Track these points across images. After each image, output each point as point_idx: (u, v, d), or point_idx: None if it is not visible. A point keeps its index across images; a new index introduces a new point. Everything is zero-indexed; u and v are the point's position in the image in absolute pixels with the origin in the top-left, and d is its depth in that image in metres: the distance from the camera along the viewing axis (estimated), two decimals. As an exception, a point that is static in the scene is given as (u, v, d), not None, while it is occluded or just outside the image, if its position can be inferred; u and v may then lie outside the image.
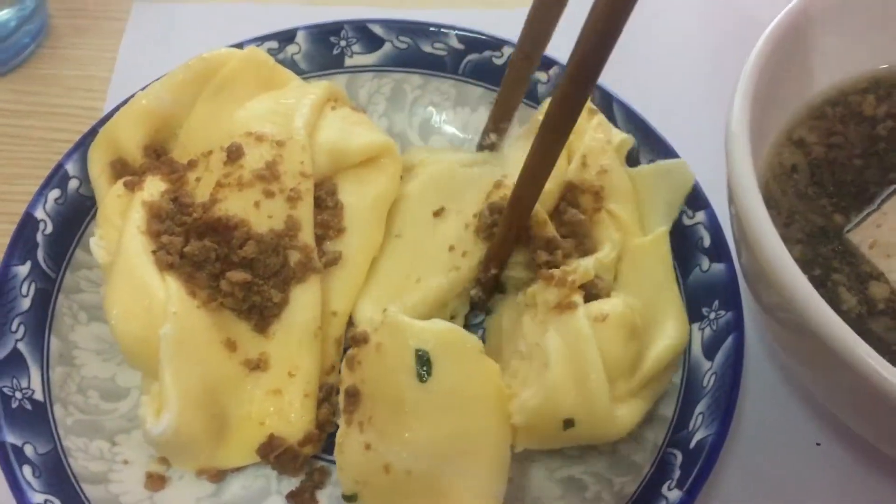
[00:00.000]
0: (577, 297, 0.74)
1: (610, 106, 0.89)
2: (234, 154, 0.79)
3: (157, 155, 0.84)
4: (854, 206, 0.79)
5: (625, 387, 0.73)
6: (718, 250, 0.80)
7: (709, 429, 0.72)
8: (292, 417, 0.76)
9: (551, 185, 0.82)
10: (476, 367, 0.72)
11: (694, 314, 0.80)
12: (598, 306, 0.74)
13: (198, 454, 0.75)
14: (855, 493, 0.80)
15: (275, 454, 0.75)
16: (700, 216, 0.82)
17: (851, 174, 0.80)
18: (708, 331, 0.78)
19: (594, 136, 0.85)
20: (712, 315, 0.78)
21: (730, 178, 0.70)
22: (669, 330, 0.77)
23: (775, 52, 0.76)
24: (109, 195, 0.80)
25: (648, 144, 0.87)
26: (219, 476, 0.77)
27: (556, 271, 0.76)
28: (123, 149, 0.83)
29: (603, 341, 0.71)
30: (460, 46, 0.94)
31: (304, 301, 0.78)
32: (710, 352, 0.77)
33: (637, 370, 0.74)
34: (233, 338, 0.77)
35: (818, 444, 0.82)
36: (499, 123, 0.87)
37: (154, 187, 0.80)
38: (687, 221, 0.83)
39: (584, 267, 0.76)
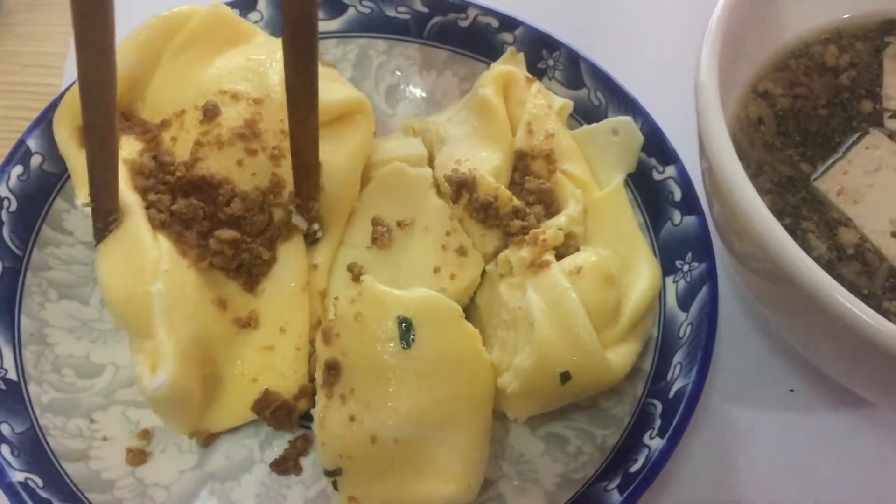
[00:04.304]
0: (549, 256, 0.75)
1: (576, 65, 0.89)
2: (210, 112, 0.78)
3: (126, 117, 0.82)
4: (820, 154, 0.80)
5: (612, 333, 0.74)
6: (689, 203, 0.81)
7: (687, 378, 0.73)
8: (285, 371, 0.76)
9: (503, 159, 0.83)
10: (458, 332, 0.73)
11: (667, 267, 0.80)
12: (570, 261, 0.76)
13: (191, 414, 0.74)
14: (829, 436, 0.82)
15: (270, 409, 0.74)
16: (670, 170, 0.83)
17: (816, 124, 0.81)
18: (682, 283, 0.79)
19: (535, 102, 0.85)
20: (686, 267, 0.79)
21: (700, 131, 0.70)
22: (643, 273, 0.78)
23: (739, 5, 0.76)
24: (83, 159, 0.79)
25: (615, 100, 0.87)
26: (209, 440, 0.76)
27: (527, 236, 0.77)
28: None
29: (582, 292, 0.72)
30: (424, 9, 0.93)
31: (290, 258, 0.78)
32: (685, 303, 0.78)
33: (621, 315, 0.75)
34: (223, 297, 0.77)
35: (791, 391, 0.84)
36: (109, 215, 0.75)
37: (130, 146, 0.78)
38: (657, 176, 0.84)
39: (553, 229, 0.77)
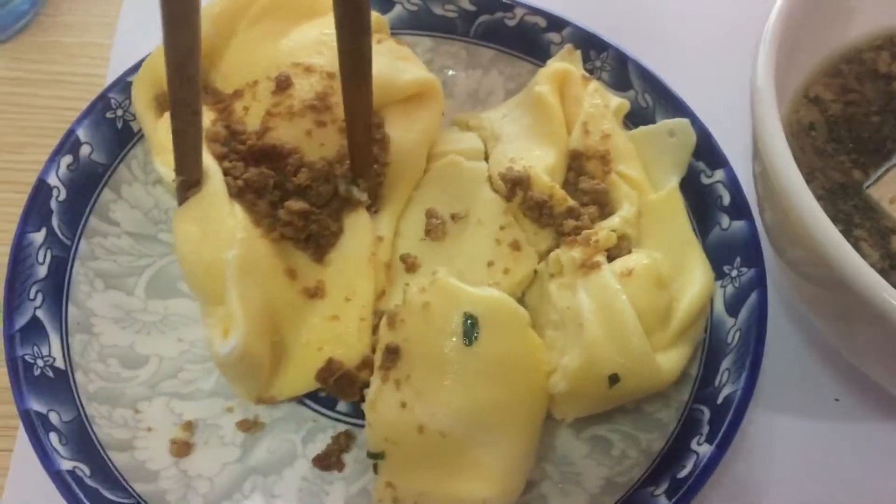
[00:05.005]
0: (601, 257, 0.75)
1: (624, 66, 0.89)
2: (283, 84, 0.78)
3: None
4: (872, 162, 0.79)
5: (662, 336, 0.74)
6: (738, 208, 0.80)
7: (736, 384, 0.72)
8: (350, 341, 0.76)
9: (558, 158, 0.82)
10: (521, 339, 0.72)
11: (715, 272, 0.79)
12: (622, 262, 0.75)
13: (259, 381, 0.75)
14: (874, 446, 0.81)
15: (333, 378, 0.74)
16: (719, 174, 0.82)
17: (868, 131, 0.81)
18: (730, 288, 0.78)
19: (592, 102, 0.84)
20: (734, 272, 0.78)
21: (756, 134, 0.69)
22: (696, 277, 0.77)
23: (794, 11, 0.75)
24: (161, 127, 0.79)
25: (663, 102, 0.87)
26: (253, 428, 0.77)
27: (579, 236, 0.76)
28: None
29: (632, 295, 0.72)
30: (472, 8, 0.93)
31: (357, 229, 0.79)
32: (733, 309, 0.77)
33: (671, 319, 0.74)
34: (293, 267, 0.77)
35: (837, 400, 0.83)
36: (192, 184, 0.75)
37: (204, 116, 0.78)
38: (705, 180, 0.83)
39: (605, 230, 0.77)
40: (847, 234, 0.74)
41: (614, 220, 0.78)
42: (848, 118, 0.81)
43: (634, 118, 0.88)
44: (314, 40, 0.82)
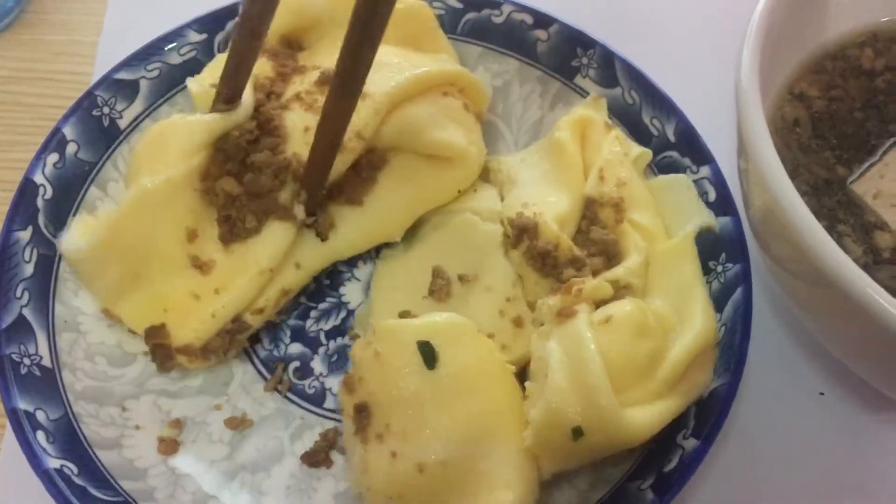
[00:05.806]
0: (581, 306, 0.72)
1: (611, 63, 0.89)
2: (322, 80, 0.80)
3: (290, 45, 0.86)
4: (856, 157, 0.79)
5: (644, 388, 0.70)
6: (723, 204, 0.81)
7: (721, 379, 0.73)
8: (192, 325, 0.77)
9: (571, 204, 0.80)
10: (476, 346, 0.72)
11: (701, 268, 0.79)
12: (603, 311, 0.72)
13: (102, 293, 0.78)
14: (857, 439, 0.82)
15: (154, 342, 0.76)
16: (704, 171, 0.83)
17: (852, 127, 0.81)
18: (716, 283, 0.78)
19: (611, 149, 0.83)
20: (719, 268, 0.79)
21: (741, 130, 0.70)
22: (694, 324, 0.73)
23: (779, 6, 0.76)
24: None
25: (650, 99, 0.87)
26: (239, 427, 0.78)
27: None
28: None
29: (608, 344, 0.69)
30: (458, 5, 0.93)
31: (272, 238, 0.78)
32: (718, 304, 0.77)
33: (656, 370, 0.71)
34: (198, 230, 0.78)
35: (821, 394, 0.84)
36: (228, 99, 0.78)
37: (261, 68, 0.81)
38: (691, 176, 0.83)
39: (597, 280, 0.75)
40: (831, 229, 0.75)
41: (618, 271, 0.76)
42: (832, 114, 0.82)
43: (621, 115, 0.89)
44: (391, 59, 0.82)
